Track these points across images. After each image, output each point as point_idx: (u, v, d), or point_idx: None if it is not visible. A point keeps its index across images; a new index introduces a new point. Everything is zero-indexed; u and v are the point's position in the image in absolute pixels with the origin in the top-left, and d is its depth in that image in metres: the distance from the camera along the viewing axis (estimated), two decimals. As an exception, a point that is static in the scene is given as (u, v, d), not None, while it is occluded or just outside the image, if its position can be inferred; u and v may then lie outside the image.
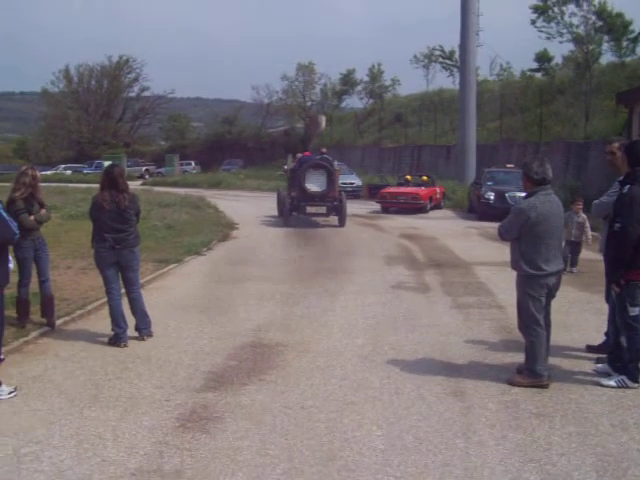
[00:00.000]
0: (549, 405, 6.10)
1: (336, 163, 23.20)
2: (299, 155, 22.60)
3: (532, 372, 6.56)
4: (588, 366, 7.14)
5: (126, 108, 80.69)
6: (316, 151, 24.25)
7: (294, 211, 21.09)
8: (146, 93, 79.38)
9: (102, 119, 76.73)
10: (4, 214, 6.33)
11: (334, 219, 21.25)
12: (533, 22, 33.67)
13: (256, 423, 5.68)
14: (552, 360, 6.97)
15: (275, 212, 23.78)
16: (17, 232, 6.52)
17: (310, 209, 20.92)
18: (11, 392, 6.28)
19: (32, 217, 8.41)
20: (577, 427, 5.60)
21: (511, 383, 6.59)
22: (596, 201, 7.53)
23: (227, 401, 6.18)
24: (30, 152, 78.08)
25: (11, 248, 7.24)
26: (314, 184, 20.33)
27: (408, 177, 28.78)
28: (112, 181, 8.05)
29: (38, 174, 8.66)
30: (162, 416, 5.84)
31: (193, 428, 5.59)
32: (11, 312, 8.52)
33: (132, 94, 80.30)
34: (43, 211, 8.73)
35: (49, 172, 56.14)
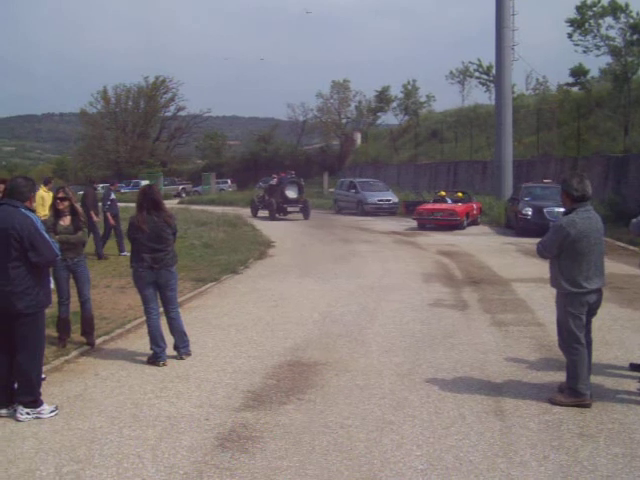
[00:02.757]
0: (592, 425, 5.99)
1: (302, 180, 35.54)
2: (274, 176, 35.51)
3: (574, 391, 6.45)
4: (632, 385, 7.00)
5: (163, 127, 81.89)
6: (289, 172, 35.86)
7: (279, 211, 32.00)
8: (182, 112, 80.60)
9: (139, 139, 77.93)
10: (46, 236, 6.41)
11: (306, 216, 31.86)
12: (570, 36, 33.34)
13: (295, 443, 5.67)
14: (594, 379, 6.86)
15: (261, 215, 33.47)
16: (59, 253, 6.59)
17: (290, 209, 32.49)
18: (52, 411, 6.35)
19: (57, 237, 8.37)
20: (622, 448, 5.49)
21: (552, 402, 6.50)
22: (634, 220, 7.45)
23: (266, 420, 6.18)
24: (69, 172, 79.36)
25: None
26: (292, 192, 32.27)
27: (442, 193, 28.69)
28: (152, 202, 8.12)
29: (59, 193, 8.75)
30: (201, 435, 5.85)
31: (232, 448, 5.59)
32: (52, 331, 8.64)
33: (168, 114, 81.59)
34: (80, 233, 8.75)
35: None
